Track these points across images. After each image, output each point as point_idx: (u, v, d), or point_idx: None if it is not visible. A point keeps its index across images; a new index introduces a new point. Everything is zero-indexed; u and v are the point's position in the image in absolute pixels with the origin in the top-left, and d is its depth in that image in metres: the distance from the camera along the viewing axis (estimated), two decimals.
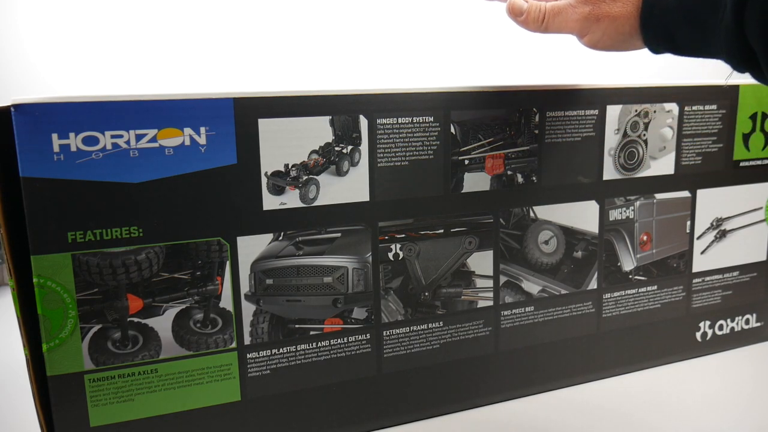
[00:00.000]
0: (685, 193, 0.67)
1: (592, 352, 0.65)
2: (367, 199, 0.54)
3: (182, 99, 0.47)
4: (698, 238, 0.69)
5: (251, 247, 0.51)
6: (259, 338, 0.52)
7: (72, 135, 0.44)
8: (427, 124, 0.55)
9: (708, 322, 0.71)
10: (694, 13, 0.46)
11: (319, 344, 0.54)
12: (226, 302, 0.51)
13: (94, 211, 0.46)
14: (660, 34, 0.49)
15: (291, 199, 0.51)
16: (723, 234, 0.70)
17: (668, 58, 0.53)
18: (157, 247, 0.48)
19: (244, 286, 0.51)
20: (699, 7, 0.45)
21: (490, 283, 0.60)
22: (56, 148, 0.44)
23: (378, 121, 0.53)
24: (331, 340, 0.55)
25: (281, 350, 0.53)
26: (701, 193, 0.68)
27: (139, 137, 0.46)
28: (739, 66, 0.45)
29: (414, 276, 0.57)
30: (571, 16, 0.51)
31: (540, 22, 0.52)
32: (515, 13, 0.54)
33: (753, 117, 0.69)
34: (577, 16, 0.51)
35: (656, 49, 0.51)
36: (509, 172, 0.59)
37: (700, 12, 0.45)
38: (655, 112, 0.64)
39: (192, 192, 0.48)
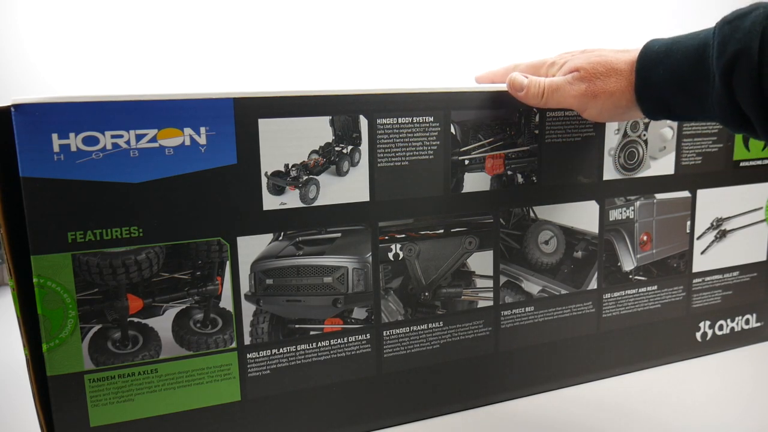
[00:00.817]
0: (685, 193, 0.67)
1: (592, 352, 0.65)
2: (367, 199, 0.54)
3: (182, 99, 0.47)
4: (698, 238, 0.69)
5: (251, 247, 0.51)
6: (259, 338, 0.52)
7: (72, 135, 0.44)
8: (427, 124, 0.55)
9: (708, 322, 0.71)
10: (685, 84, 0.47)
11: (319, 344, 0.54)
12: (226, 302, 0.51)
13: (94, 211, 0.46)
14: (657, 104, 0.49)
15: (291, 199, 0.51)
16: (723, 234, 0.70)
17: None
18: (157, 247, 0.48)
19: (244, 286, 0.51)
20: (689, 78, 0.46)
21: (490, 283, 0.60)
22: (56, 148, 0.44)
23: (378, 121, 0.53)
24: (331, 340, 0.55)
25: (281, 350, 0.53)
26: (701, 193, 0.68)
27: (139, 137, 0.46)
28: (736, 129, 0.46)
29: (414, 276, 0.57)
30: (569, 92, 0.52)
31: (540, 98, 0.54)
32: (515, 89, 0.55)
33: None
34: (575, 93, 0.52)
35: (655, 118, 0.52)
36: (509, 172, 0.59)
37: (691, 82, 0.46)
38: None
39: (192, 192, 0.48)
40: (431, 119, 0.55)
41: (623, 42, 0.55)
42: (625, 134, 0.63)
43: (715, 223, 0.70)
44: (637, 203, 0.65)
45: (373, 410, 0.57)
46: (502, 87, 0.57)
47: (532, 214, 0.60)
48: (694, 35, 0.47)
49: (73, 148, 0.44)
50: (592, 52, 0.53)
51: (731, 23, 0.43)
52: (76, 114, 0.44)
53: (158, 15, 1.04)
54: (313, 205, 0.52)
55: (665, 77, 0.47)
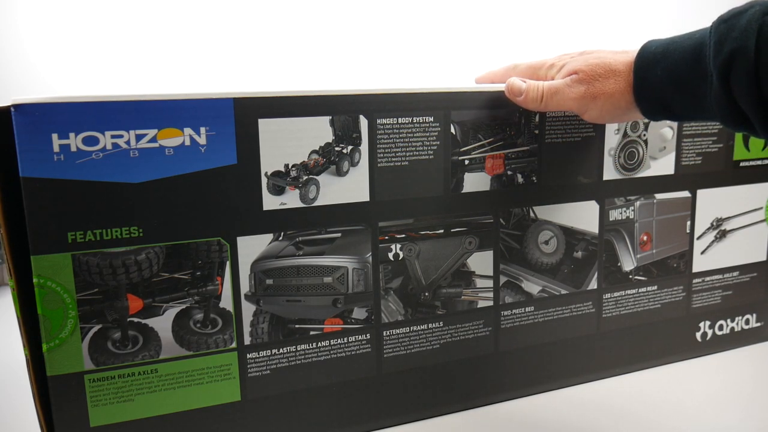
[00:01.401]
0: (685, 193, 0.67)
1: (592, 352, 0.65)
2: (367, 199, 0.54)
3: (182, 99, 0.47)
4: (698, 238, 0.69)
5: (251, 247, 0.51)
6: (259, 338, 0.52)
7: (72, 135, 0.44)
8: (427, 124, 0.55)
9: (708, 322, 0.71)
10: (683, 83, 0.47)
11: (319, 344, 0.54)
12: (226, 302, 0.51)
13: (94, 211, 0.46)
14: (656, 105, 0.49)
15: (291, 199, 0.51)
16: (723, 234, 0.70)
17: None
18: (157, 247, 0.48)
19: (244, 286, 0.51)
20: (687, 78, 0.46)
21: (490, 283, 0.60)
22: (56, 148, 0.44)
23: (378, 121, 0.53)
24: (331, 340, 0.55)
25: (281, 350, 0.53)
26: (701, 193, 0.68)
27: (139, 137, 0.46)
28: (735, 128, 0.46)
29: (414, 276, 0.57)
30: (569, 95, 0.52)
31: (539, 102, 0.54)
32: (514, 93, 0.55)
33: None
34: (574, 95, 0.52)
35: (654, 118, 0.52)
36: (509, 172, 0.59)
37: (689, 82, 0.46)
38: None
39: (192, 192, 0.48)
40: (431, 119, 0.55)
41: (622, 43, 0.55)
42: (625, 134, 0.63)
43: (715, 223, 0.70)
44: (637, 203, 0.65)
45: (373, 410, 0.57)
46: (502, 87, 0.57)
47: (532, 214, 0.60)
48: (690, 35, 0.47)
49: (73, 148, 0.44)
50: (590, 54, 0.53)
51: (727, 22, 0.43)
52: (76, 114, 0.44)
53: (158, 15, 1.04)
54: (313, 205, 0.52)
55: (663, 77, 0.47)
